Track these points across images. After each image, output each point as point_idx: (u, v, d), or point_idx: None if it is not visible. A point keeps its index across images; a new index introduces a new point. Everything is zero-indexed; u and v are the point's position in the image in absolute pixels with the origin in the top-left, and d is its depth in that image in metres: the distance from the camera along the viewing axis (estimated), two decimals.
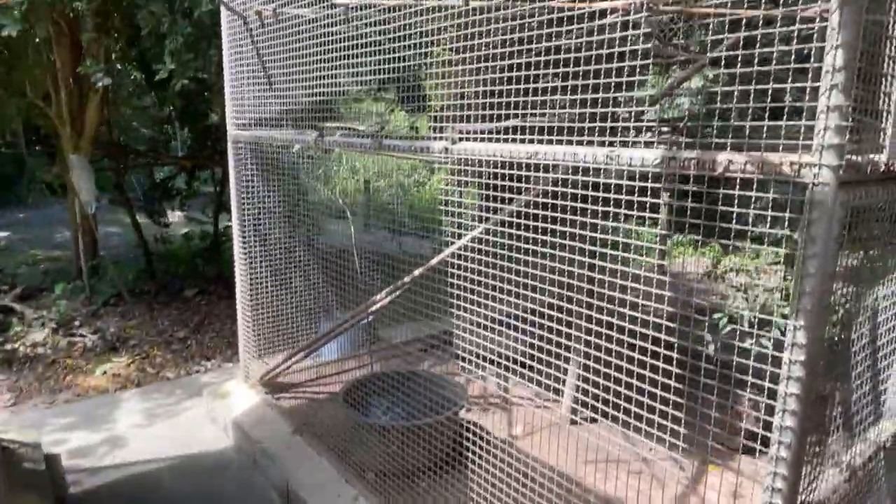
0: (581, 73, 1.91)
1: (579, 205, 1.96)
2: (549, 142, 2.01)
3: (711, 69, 3.05)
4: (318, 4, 3.09)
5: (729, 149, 1.57)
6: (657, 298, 1.82)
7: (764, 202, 1.54)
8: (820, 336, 1.43)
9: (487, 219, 2.71)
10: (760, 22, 1.94)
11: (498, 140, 2.27)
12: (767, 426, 1.53)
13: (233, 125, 4.25)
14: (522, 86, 2.10)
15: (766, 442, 1.54)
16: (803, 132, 1.40)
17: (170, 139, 10.12)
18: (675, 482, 3.25)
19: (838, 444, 1.85)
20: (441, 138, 2.43)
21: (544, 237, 2.16)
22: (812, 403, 1.47)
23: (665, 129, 3.37)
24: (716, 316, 3.76)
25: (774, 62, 1.50)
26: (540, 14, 2.05)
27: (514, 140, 2.17)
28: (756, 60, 1.51)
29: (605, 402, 2.01)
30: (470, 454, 2.68)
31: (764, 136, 1.50)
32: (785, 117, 1.48)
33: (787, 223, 1.49)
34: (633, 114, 2.37)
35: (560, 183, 2.03)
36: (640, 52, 1.77)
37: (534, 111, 2.14)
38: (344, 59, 3.00)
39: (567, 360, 2.42)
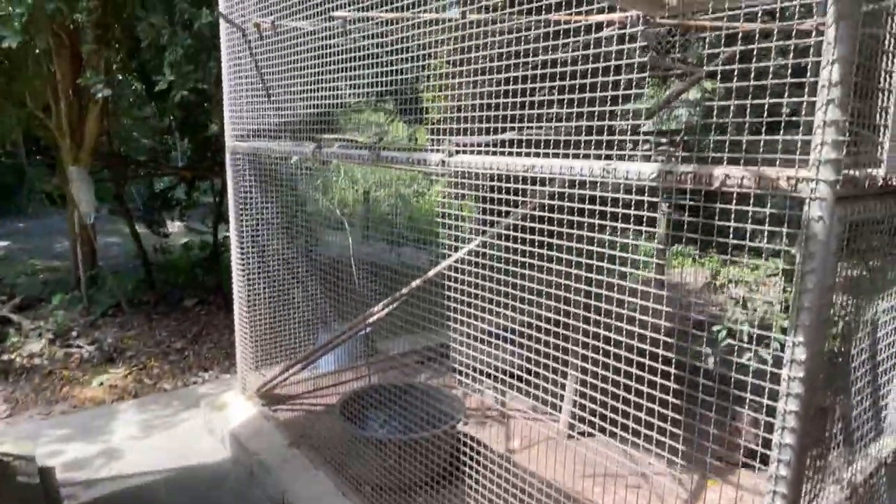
0: (578, 86, 1.90)
1: (576, 218, 1.95)
2: (546, 155, 2.01)
3: (709, 81, 3.05)
4: (316, 17, 3.10)
5: (726, 162, 1.56)
6: (654, 312, 1.80)
7: (762, 215, 1.52)
8: (819, 352, 1.42)
9: (484, 231, 2.70)
10: (757, 35, 1.94)
11: (495, 153, 2.26)
12: (766, 443, 1.51)
13: (231, 136, 4.25)
14: (519, 99, 2.10)
15: (765, 459, 1.52)
16: (800, 146, 1.39)
17: (170, 150, 10.14)
18: (674, 497, 3.22)
19: (839, 460, 1.83)
20: (438, 150, 2.43)
21: (541, 250, 2.15)
22: (811, 418, 1.46)
23: (663, 140, 3.37)
24: (714, 328, 3.74)
25: (771, 76, 1.49)
26: (537, 27, 2.05)
27: (510, 153, 2.16)
28: (752, 75, 1.50)
29: (603, 417, 1.99)
30: (467, 468, 2.65)
31: (761, 150, 1.49)
32: (782, 131, 1.48)
33: (784, 238, 1.48)
34: (629, 126, 2.37)
35: (557, 196, 2.02)
36: (636, 65, 1.76)
37: (530, 124, 2.14)
38: (341, 71, 3.01)
39: (564, 374, 2.41)
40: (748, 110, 1.51)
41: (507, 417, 3.96)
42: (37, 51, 6.04)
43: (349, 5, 2.83)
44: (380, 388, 3.85)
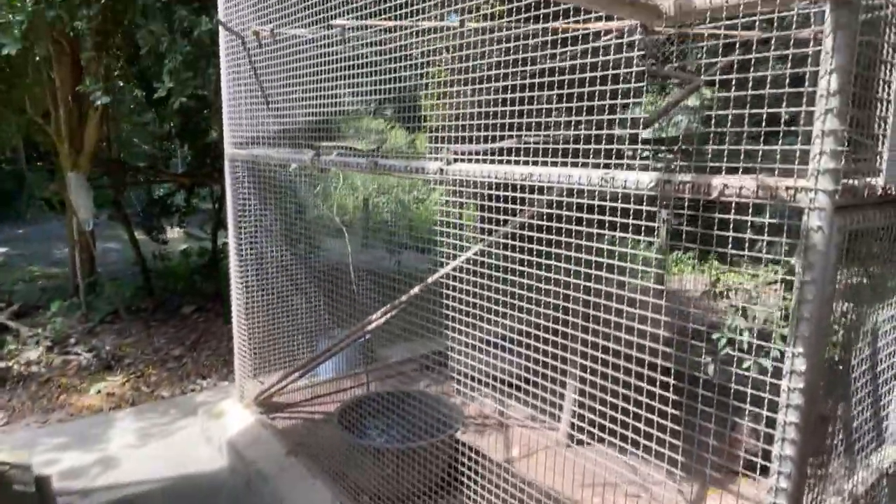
0: (576, 94, 1.90)
1: (574, 227, 1.95)
2: (545, 163, 2.00)
3: (708, 89, 3.05)
4: (316, 25, 3.10)
5: (724, 171, 1.56)
6: (654, 321, 1.79)
7: (761, 224, 1.52)
8: (819, 363, 1.41)
9: (482, 239, 2.69)
10: (755, 44, 1.94)
11: (493, 161, 2.26)
12: (766, 453, 1.50)
13: (230, 143, 4.25)
14: (518, 107, 2.09)
15: (765, 469, 1.51)
16: (799, 155, 1.39)
17: (170, 156, 10.14)
18: None
19: (840, 470, 1.82)
20: (436, 159, 2.42)
21: (539, 259, 2.14)
22: (811, 428, 1.45)
23: (662, 148, 3.37)
24: (714, 336, 3.73)
25: (769, 84, 1.49)
26: (536, 35, 2.05)
27: (509, 161, 2.16)
28: (750, 84, 1.50)
29: (602, 427, 1.98)
30: (466, 477, 2.64)
31: (759, 159, 1.49)
32: (780, 140, 1.47)
33: (783, 247, 1.48)
34: (628, 134, 2.36)
35: (555, 204, 2.02)
36: (635, 73, 1.76)
37: (529, 132, 2.13)
38: (341, 79, 3.01)
39: (563, 383, 2.39)
40: (746, 119, 1.51)
41: (505, 426, 3.94)
42: (37, 58, 6.06)
43: (348, 13, 2.84)
44: (378, 396, 3.83)
